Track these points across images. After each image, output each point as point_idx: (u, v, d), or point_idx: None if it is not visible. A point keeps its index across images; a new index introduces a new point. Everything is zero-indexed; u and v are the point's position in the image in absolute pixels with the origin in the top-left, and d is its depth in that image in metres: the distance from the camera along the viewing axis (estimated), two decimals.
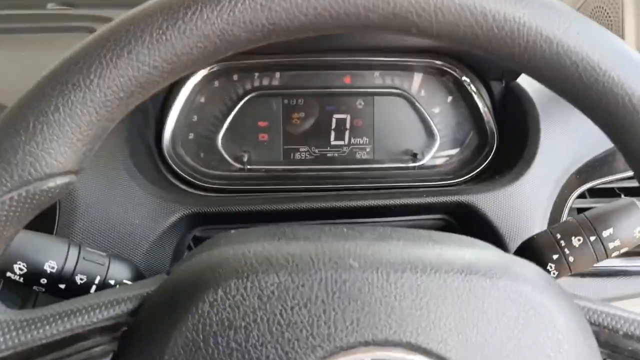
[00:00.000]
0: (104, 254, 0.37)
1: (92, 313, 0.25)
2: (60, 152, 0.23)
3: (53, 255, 0.34)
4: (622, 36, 0.60)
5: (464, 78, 0.59)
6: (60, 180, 0.24)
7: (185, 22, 0.24)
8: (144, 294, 0.27)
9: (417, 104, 0.60)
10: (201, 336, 0.24)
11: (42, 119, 0.23)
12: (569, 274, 0.39)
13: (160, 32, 0.24)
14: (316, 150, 0.60)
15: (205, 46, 0.25)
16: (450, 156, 0.61)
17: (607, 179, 0.53)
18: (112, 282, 0.36)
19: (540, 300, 0.25)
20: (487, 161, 0.59)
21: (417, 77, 0.61)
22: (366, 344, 0.23)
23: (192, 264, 0.26)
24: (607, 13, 0.65)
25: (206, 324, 0.24)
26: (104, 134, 0.26)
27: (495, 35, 0.25)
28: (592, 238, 0.38)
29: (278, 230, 0.30)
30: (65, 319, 0.25)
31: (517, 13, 0.24)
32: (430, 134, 0.60)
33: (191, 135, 0.58)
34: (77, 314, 0.25)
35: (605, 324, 0.27)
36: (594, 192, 0.54)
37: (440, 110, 0.61)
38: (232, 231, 0.32)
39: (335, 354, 0.23)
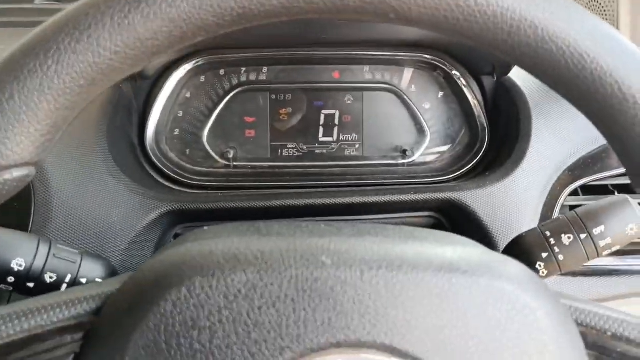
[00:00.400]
0: (76, 251, 0.35)
1: (51, 313, 0.24)
2: (17, 142, 0.22)
3: (21, 253, 0.32)
4: (617, 29, 0.59)
5: (453, 72, 0.58)
6: (17, 173, 0.23)
7: (149, 5, 0.22)
8: (108, 292, 0.25)
9: (407, 99, 0.59)
10: (163, 337, 0.22)
11: None
12: (559, 273, 0.38)
13: (122, 15, 0.22)
14: (304, 147, 0.58)
15: (171, 31, 0.23)
16: (441, 153, 0.60)
17: (601, 176, 0.52)
18: (83, 280, 0.35)
19: (524, 300, 0.24)
20: (477, 158, 0.58)
21: (408, 72, 0.60)
22: (338, 345, 0.22)
23: (157, 261, 0.25)
24: (602, 6, 0.64)
25: (169, 324, 0.22)
26: (64, 123, 0.24)
27: (477, 20, 0.24)
28: (583, 236, 0.37)
29: (252, 227, 0.29)
30: (23, 319, 0.24)
31: None
32: (420, 130, 0.59)
33: (176, 131, 0.57)
34: (36, 313, 0.24)
35: (593, 324, 0.25)
36: (587, 190, 0.53)
37: (431, 106, 0.60)
38: (205, 227, 0.31)
39: (306, 356, 0.22)
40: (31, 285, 0.33)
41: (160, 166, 0.54)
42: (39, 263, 0.33)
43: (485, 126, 0.58)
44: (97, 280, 0.36)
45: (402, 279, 0.23)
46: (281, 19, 0.25)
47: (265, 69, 0.58)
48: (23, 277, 0.33)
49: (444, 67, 0.59)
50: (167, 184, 0.54)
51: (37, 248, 0.33)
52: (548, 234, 0.38)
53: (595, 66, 0.23)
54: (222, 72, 0.57)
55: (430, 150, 0.60)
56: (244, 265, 0.23)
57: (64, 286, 0.34)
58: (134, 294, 0.24)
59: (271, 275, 0.23)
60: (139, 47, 0.23)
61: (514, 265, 0.26)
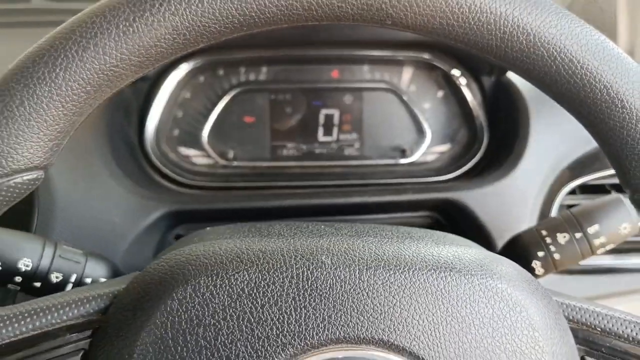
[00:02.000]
0: (80, 251, 0.36)
1: (61, 311, 0.25)
2: (27, 147, 0.23)
3: (28, 253, 0.33)
4: (615, 28, 0.59)
5: (452, 72, 0.59)
6: (27, 176, 0.24)
7: (152, 13, 0.23)
8: (115, 291, 0.26)
9: (406, 99, 0.59)
10: (170, 334, 0.23)
11: (7, 113, 0.22)
12: (555, 271, 0.39)
13: (127, 24, 0.23)
14: (304, 147, 0.59)
15: (174, 38, 0.24)
16: (441, 153, 0.61)
17: (598, 175, 0.53)
18: (88, 280, 0.35)
19: (516, 297, 0.24)
20: (476, 158, 0.58)
21: (407, 72, 0.60)
22: (337, 341, 0.23)
23: (163, 261, 0.26)
24: (600, 5, 0.64)
25: (175, 322, 0.23)
26: (72, 128, 0.25)
27: (471, 27, 0.24)
28: (578, 235, 0.38)
29: (253, 227, 0.29)
30: (35, 317, 0.25)
31: (494, 4, 0.24)
32: (420, 130, 0.60)
33: (176, 132, 0.57)
34: (47, 311, 0.25)
35: (584, 320, 0.26)
36: (585, 189, 0.53)
37: (430, 106, 0.60)
38: (208, 228, 0.31)
39: (306, 352, 0.23)
40: (38, 284, 0.34)
41: (161, 166, 0.55)
42: (45, 263, 0.34)
43: (484, 126, 0.59)
44: (101, 279, 0.36)
45: (399, 278, 0.24)
46: (281, 25, 0.25)
47: (264, 69, 0.58)
48: (30, 276, 0.33)
49: (443, 66, 0.59)
50: (167, 184, 0.55)
51: (43, 248, 0.34)
52: (544, 233, 0.39)
53: (584, 71, 0.24)
54: (221, 72, 0.58)
55: (430, 150, 0.60)
56: (246, 265, 0.24)
57: (69, 286, 0.35)
58: (140, 293, 0.25)
59: (272, 275, 0.24)
60: (143, 54, 0.24)
61: (507, 264, 0.27)
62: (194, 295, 0.23)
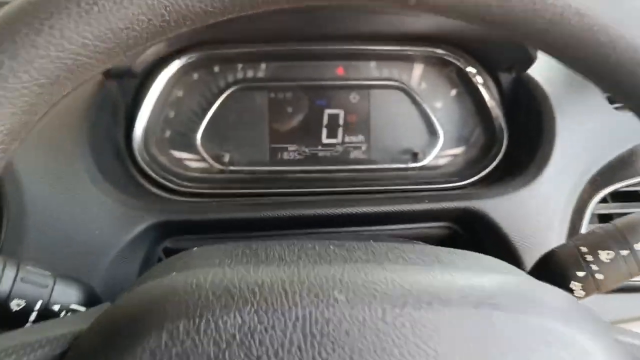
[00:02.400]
0: (48, 273, 0.31)
1: None
2: None
3: None
4: None
5: (468, 69, 0.54)
6: None
7: None
8: (76, 332, 0.21)
9: (417, 97, 0.55)
10: None
11: None
12: (598, 292, 0.34)
13: (91, 1, 0.18)
14: (306, 150, 0.54)
15: (150, 19, 0.20)
16: (455, 156, 0.56)
17: (632, 181, 0.48)
18: (56, 307, 0.30)
19: (575, 338, 0.19)
20: (495, 161, 0.54)
21: (418, 68, 0.55)
22: None
23: (135, 294, 0.21)
24: None
25: None
26: (23, 129, 0.20)
27: (513, 7, 0.20)
28: (624, 252, 0.33)
29: (248, 249, 0.24)
30: None
31: None
32: (432, 131, 0.55)
33: (167, 133, 0.52)
34: None
35: None
36: (617, 196, 0.48)
37: (443, 105, 0.56)
38: (195, 249, 0.26)
39: None
40: None
41: (149, 171, 0.50)
42: (4, 288, 0.29)
43: (503, 127, 0.54)
44: (73, 306, 0.31)
45: (432, 319, 0.19)
46: (282, 6, 0.20)
47: (263, 65, 0.53)
48: None
49: (457, 62, 0.54)
50: (156, 191, 0.50)
51: (2, 271, 0.29)
52: (584, 249, 0.34)
53: None
54: (216, 68, 0.53)
55: (442, 153, 0.55)
56: (238, 303, 0.19)
57: (34, 314, 0.30)
58: (104, 338, 0.20)
59: (272, 316, 0.19)
60: (112, 38, 0.19)
61: (561, 297, 0.22)
62: (170, 343, 0.18)
